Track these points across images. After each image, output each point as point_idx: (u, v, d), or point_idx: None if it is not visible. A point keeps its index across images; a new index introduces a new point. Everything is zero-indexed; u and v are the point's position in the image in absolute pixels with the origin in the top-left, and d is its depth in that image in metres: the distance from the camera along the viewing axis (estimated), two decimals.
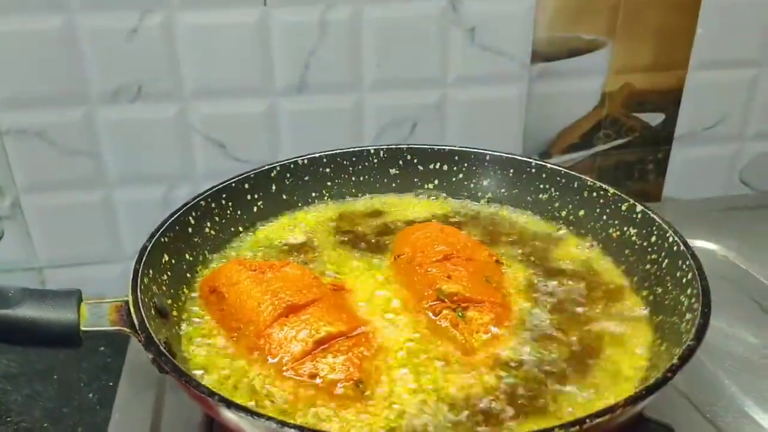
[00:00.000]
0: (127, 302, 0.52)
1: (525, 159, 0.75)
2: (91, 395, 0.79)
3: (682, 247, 0.59)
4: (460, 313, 0.57)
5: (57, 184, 0.89)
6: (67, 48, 0.81)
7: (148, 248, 0.59)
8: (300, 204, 0.75)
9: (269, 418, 0.42)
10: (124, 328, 0.51)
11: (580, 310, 0.61)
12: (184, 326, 0.59)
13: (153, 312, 0.54)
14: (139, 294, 0.53)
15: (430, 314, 0.59)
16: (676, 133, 1.01)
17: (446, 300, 0.58)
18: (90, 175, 0.89)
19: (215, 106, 0.88)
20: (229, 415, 0.44)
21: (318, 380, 0.52)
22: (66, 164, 0.87)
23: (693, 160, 1.03)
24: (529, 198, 0.75)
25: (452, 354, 0.56)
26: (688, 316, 0.53)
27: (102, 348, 0.83)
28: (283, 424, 0.41)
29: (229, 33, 0.84)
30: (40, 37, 0.80)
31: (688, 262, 0.58)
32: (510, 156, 0.76)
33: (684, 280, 0.57)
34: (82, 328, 0.51)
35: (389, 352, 0.56)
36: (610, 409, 0.43)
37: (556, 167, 0.72)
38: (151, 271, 0.58)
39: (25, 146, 0.86)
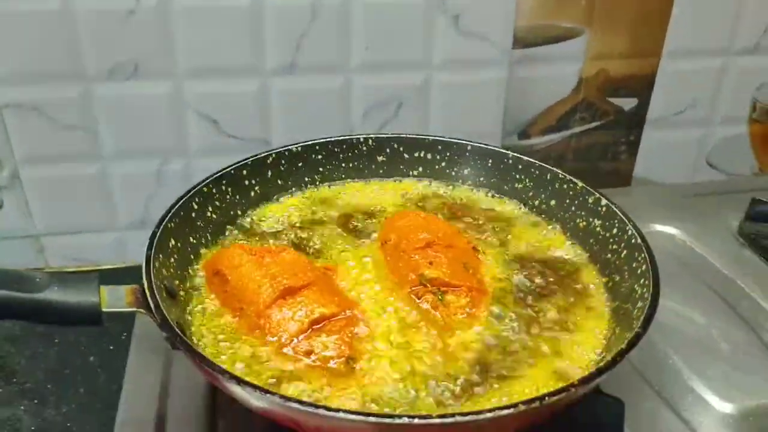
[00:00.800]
0: (142, 286, 0.57)
1: (502, 151, 0.79)
2: (91, 358, 0.84)
3: (638, 240, 0.65)
4: (440, 297, 0.63)
5: (54, 156, 0.92)
6: (66, 27, 0.84)
7: (158, 234, 0.63)
8: (293, 189, 0.80)
9: (273, 393, 0.48)
10: (140, 310, 0.56)
11: (548, 293, 0.67)
12: (190, 305, 0.64)
13: (164, 294, 0.59)
14: (152, 278, 0.58)
15: (413, 297, 0.65)
16: (647, 117, 1.06)
17: (428, 284, 0.64)
18: (86, 149, 0.92)
19: (209, 85, 0.91)
20: (237, 390, 0.49)
21: (313, 357, 0.58)
22: (63, 138, 0.91)
23: (663, 143, 1.09)
24: (506, 187, 0.80)
25: (433, 333, 0.62)
26: (640, 304, 0.59)
27: None
28: (287, 398, 0.47)
29: (223, 14, 0.87)
30: (39, 16, 0.83)
31: (643, 255, 0.63)
32: (488, 147, 0.80)
33: (639, 271, 0.63)
34: (103, 310, 0.56)
35: (376, 332, 0.62)
36: (564, 389, 0.50)
37: (531, 160, 0.77)
38: (160, 256, 0.62)
39: (23, 120, 0.89)
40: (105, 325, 0.58)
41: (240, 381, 0.49)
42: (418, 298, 0.64)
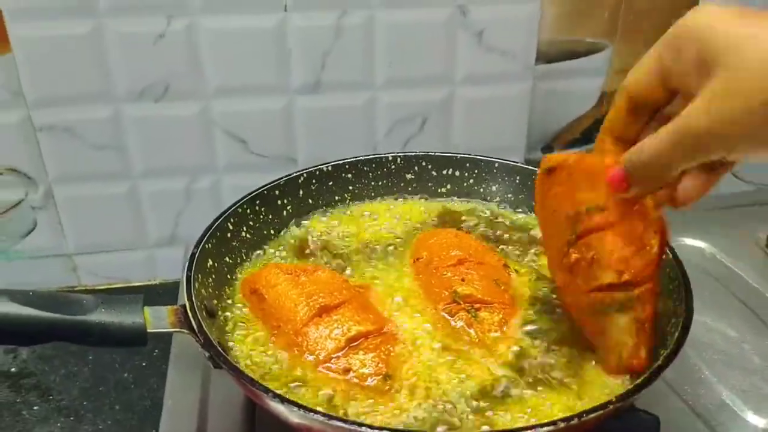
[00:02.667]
0: (183, 306, 0.59)
1: (529, 168, 0.80)
2: (125, 375, 0.85)
3: (670, 256, 0.65)
4: (473, 314, 0.64)
5: (86, 176, 0.94)
6: (98, 51, 0.86)
7: (196, 255, 0.65)
8: (324, 207, 0.81)
9: (316, 412, 0.49)
10: (183, 330, 0.58)
11: None
12: (229, 324, 0.65)
13: (204, 313, 0.60)
14: (193, 299, 0.59)
15: (446, 314, 0.65)
16: None
17: (461, 302, 0.65)
18: (117, 168, 0.94)
19: (236, 104, 0.93)
20: (279, 407, 0.50)
21: (351, 374, 0.59)
22: (95, 158, 0.92)
23: None
24: (533, 203, 0.80)
25: (467, 350, 0.63)
26: (673, 320, 0.60)
27: None
28: (330, 416, 0.48)
29: (249, 36, 0.89)
30: (71, 41, 0.85)
31: (675, 271, 0.63)
32: (516, 164, 0.81)
33: (671, 287, 0.63)
34: (149, 330, 0.57)
35: (411, 349, 0.62)
36: (601, 406, 0.50)
37: None
38: (199, 276, 0.64)
39: (56, 141, 0.91)
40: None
41: (283, 399, 0.50)
42: (452, 316, 0.65)
